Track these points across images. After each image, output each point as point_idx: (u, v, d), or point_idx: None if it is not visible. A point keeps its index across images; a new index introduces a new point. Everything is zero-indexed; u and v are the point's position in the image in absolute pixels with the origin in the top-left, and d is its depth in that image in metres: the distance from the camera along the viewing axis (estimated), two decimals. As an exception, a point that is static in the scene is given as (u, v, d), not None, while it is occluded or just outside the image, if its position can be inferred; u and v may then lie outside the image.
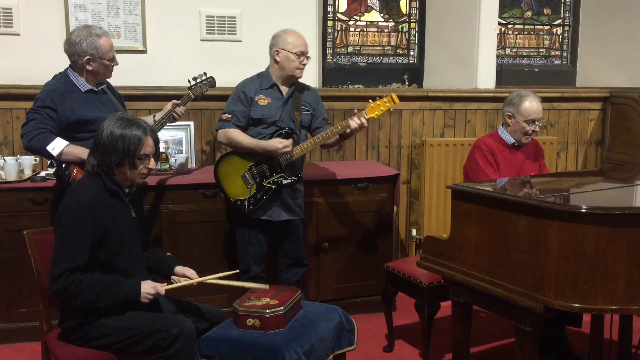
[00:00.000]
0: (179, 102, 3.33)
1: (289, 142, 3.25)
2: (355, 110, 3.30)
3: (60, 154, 2.94)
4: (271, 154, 3.27)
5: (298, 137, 3.36)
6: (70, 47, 3.04)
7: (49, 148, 2.93)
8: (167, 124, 3.32)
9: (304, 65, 3.34)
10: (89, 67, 3.06)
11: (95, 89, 3.13)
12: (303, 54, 3.32)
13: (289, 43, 3.30)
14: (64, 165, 3.00)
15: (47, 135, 2.94)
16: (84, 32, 3.04)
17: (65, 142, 2.96)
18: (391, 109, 3.36)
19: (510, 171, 3.32)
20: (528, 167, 3.40)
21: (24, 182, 3.49)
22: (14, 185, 3.45)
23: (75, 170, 2.98)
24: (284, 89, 3.38)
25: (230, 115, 3.33)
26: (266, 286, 2.75)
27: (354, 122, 3.25)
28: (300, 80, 3.43)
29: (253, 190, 3.32)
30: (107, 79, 3.21)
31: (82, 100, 3.07)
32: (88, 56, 3.03)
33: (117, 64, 3.15)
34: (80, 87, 3.09)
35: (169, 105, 3.32)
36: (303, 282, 3.65)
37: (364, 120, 3.26)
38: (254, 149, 3.28)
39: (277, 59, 3.32)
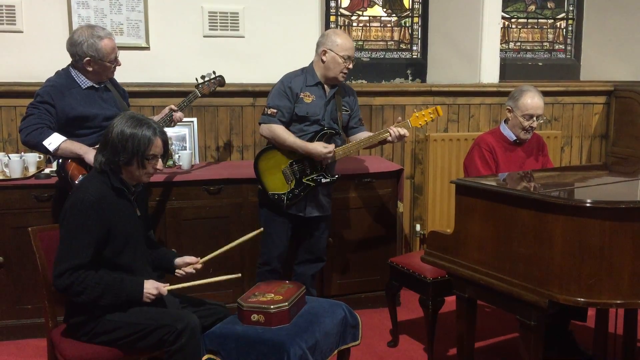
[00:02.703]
0: (175, 108, 3.30)
1: (332, 147, 3.27)
2: (399, 118, 3.34)
3: (57, 149, 2.95)
4: (313, 157, 3.27)
5: (341, 137, 3.38)
6: (72, 47, 3.05)
7: (46, 143, 2.93)
8: (165, 127, 3.31)
9: (349, 69, 3.33)
10: (89, 68, 3.06)
11: (97, 86, 3.13)
12: (350, 58, 3.30)
13: (337, 45, 3.28)
14: (60, 161, 3.01)
15: (44, 130, 2.96)
16: (87, 32, 3.03)
17: (63, 138, 2.97)
18: (433, 120, 3.41)
19: (512, 168, 3.31)
20: (530, 164, 3.39)
21: (29, 179, 3.49)
22: (19, 182, 3.46)
23: (72, 167, 2.99)
24: (327, 88, 3.38)
25: (275, 110, 3.30)
26: (260, 230, 2.81)
27: (394, 134, 3.28)
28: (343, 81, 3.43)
29: (292, 186, 3.32)
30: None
31: (82, 96, 3.08)
32: (89, 57, 3.02)
33: (119, 65, 3.14)
34: (81, 84, 3.09)
35: (165, 110, 3.31)
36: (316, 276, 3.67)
37: (405, 132, 3.30)
38: (297, 150, 3.27)
39: (324, 58, 3.30)
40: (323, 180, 3.33)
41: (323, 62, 3.32)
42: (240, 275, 2.60)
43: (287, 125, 3.34)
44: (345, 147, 3.36)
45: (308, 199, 3.37)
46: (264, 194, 3.40)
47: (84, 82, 3.10)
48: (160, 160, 2.52)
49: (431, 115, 3.34)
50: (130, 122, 2.44)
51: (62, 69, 3.15)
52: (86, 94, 3.09)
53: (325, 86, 3.37)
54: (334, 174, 3.40)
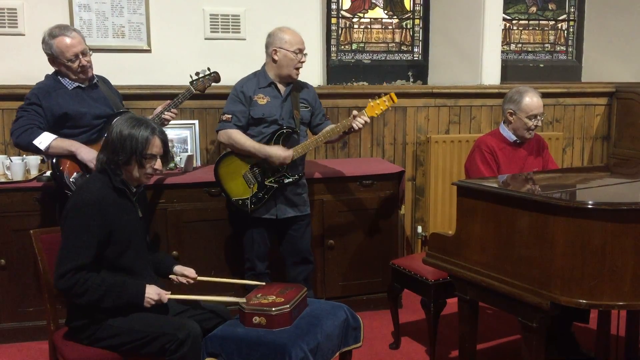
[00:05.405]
0: (169, 103, 3.30)
1: (291, 152, 3.25)
2: (354, 112, 3.30)
3: (48, 147, 2.96)
4: (272, 161, 3.25)
5: (299, 135, 3.35)
6: (42, 46, 3.09)
7: (36, 142, 2.95)
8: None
9: (302, 63, 3.32)
10: (55, 67, 3.09)
11: (83, 85, 3.14)
12: (301, 52, 3.30)
13: (286, 41, 3.27)
14: (54, 160, 3.02)
15: (34, 130, 2.98)
16: (47, 32, 3.07)
17: (53, 136, 2.99)
18: (389, 108, 3.36)
19: (513, 169, 3.31)
20: (531, 162, 3.39)
21: (30, 182, 3.50)
22: (20, 185, 3.47)
23: (66, 165, 3.00)
24: (282, 87, 3.37)
25: (230, 116, 3.32)
26: (262, 283, 2.82)
27: (357, 124, 3.25)
28: (298, 78, 3.41)
29: (255, 190, 3.31)
30: (94, 75, 3.19)
31: (69, 96, 3.10)
32: (49, 56, 3.07)
33: (85, 64, 3.09)
34: (67, 86, 3.11)
35: (159, 108, 3.31)
36: (309, 279, 3.65)
37: (366, 119, 3.26)
38: (256, 153, 3.27)
39: (276, 57, 3.30)
40: (286, 180, 3.31)
41: (275, 61, 3.30)
42: (245, 300, 2.59)
43: (245, 130, 3.33)
44: (304, 144, 3.31)
45: (278, 200, 3.35)
46: (228, 201, 3.38)
47: (69, 83, 3.12)
48: (159, 160, 2.52)
49: (386, 104, 3.29)
50: (129, 123, 2.46)
51: (51, 73, 3.18)
52: (74, 93, 3.11)
53: (280, 85, 3.36)
54: (297, 173, 3.37)
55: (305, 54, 3.35)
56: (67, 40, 3.04)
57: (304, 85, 3.49)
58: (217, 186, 3.44)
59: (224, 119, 3.34)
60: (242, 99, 3.32)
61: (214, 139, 4.23)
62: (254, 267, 3.42)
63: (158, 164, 2.52)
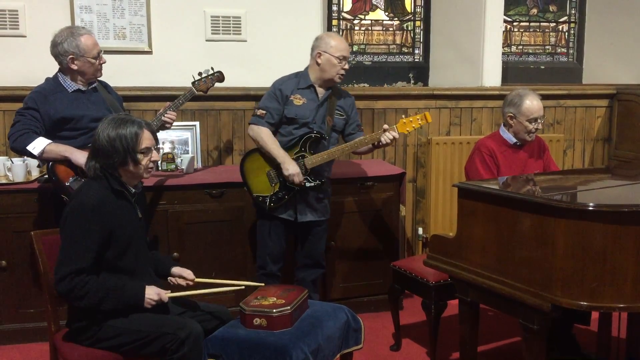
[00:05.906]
0: (169, 104, 3.30)
1: (301, 178, 3.24)
2: (385, 126, 3.29)
3: (42, 152, 2.97)
4: (283, 172, 3.26)
5: (328, 142, 3.37)
6: (54, 49, 3.07)
7: (30, 147, 2.95)
8: (159, 129, 3.30)
9: (345, 70, 3.33)
10: (74, 67, 3.07)
11: (83, 89, 3.14)
12: (345, 59, 3.31)
13: (332, 47, 3.29)
14: (50, 165, 3.02)
15: (29, 135, 2.98)
16: (66, 32, 3.07)
17: (47, 141, 2.98)
18: (421, 127, 3.36)
19: (513, 171, 3.31)
20: (531, 165, 3.39)
21: (31, 183, 3.50)
22: (21, 186, 3.47)
23: (60, 170, 3.00)
24: (321, 91, 3.37)
25: (264, 112, 3.34)
26: (262, 284, 2.83)
27: (385, 138, 3.24)
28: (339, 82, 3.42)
29: (276, 189, 3.32)
30: (98, 79, 3.21)
31: (68, 99, 3.10)
32: (71, 55, 3.05)
33: (104, 62, 3.15)
34: (67, 88, 3.11)
35: (161, 110, 3.32)
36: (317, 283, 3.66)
37: (395, 135, 3.24)
38: (275, 158, 3.28)
39: (319, 61, 3.31)
40: (307, 185, 3.32)
41: (318, 64, 3.32)
42: (243, 287, 2.59)
43: (277, 127, 3.36)
44: (328, 151, 3.30)
45: (298, 203, 3.36)
46: (251, 196, 3.42)
47: (70, 85, 3.12)
48: (155, 152, 2.53)
49: (419, 122, 3.26)
50: (113, 124, 2.45)
51: (52, 76, 3.18)
52: (73, 97, 3.11)
53: (319, 89, 3.37)
54: (320, 178, 3.36)
55: (348, 62, 3.36)
56: (93, 39, 3.10)
57: (344, 94, 3.50)
58: (241, 182, 3.44)
59: (258, 113, 3.35)
60: (278, 97, 3.34)
61: (215, 141, 4.23)
62: (264, 266, 3.42)
63: (155, 156, 2.53)
